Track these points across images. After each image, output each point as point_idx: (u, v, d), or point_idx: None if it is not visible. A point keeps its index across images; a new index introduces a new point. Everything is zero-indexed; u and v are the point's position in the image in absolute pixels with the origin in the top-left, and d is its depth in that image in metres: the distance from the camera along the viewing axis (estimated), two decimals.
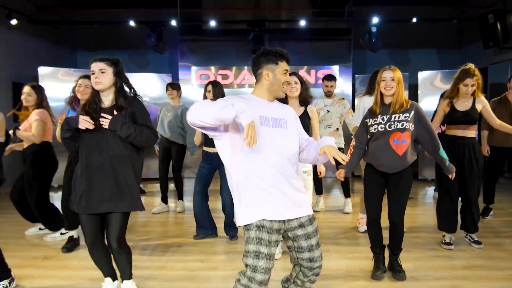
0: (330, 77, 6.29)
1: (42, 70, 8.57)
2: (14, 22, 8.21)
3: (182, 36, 10.25)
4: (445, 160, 3.74)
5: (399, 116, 3.65)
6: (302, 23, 9.47)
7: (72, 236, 4.81)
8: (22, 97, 4.84)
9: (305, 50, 10.29)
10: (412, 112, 3.67)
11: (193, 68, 10.12)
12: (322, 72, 9.92)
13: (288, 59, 2.87)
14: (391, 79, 3.67)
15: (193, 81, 10.06)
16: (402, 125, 3.62)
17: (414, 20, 9.38)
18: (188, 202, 6.47)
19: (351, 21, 10.03)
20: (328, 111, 6.17)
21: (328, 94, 6.26)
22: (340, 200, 7.02)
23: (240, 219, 2.69)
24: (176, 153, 6.41)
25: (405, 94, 4.11)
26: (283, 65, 2.84)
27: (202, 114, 2.52)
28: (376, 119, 3.73)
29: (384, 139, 3.68)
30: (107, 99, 3.27)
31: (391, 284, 3.75)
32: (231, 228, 5.02)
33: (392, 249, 3.92)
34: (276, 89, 2.85)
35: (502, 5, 8.65)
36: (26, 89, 4.84)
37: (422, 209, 6.78)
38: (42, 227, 5.36)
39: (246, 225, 2.63)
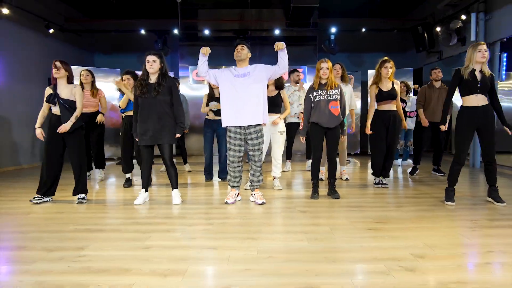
0: (297, 70, 7.68)
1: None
2: (51, 31, 9.35)
3: (181, 42, 11.26)
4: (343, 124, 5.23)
5: (332, 92, 5.10)
6: (277, 31, 10.55)
7: (129, 177, 6.28)
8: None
9: None
10: (339, 90, 5.13)
11: (190, 67, 11.28)
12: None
13: (237, 44, 4.90)
14: (326, 68, 5.07)
15: (190, 78, 11.29)
16: (335, 97, 5.09)
17: (363, 30, 10.61)
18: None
19: (316, 30, 11.12)
20: (299, 95, 7.47)
21: (297, 82, 7.56)
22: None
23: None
24: None
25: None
26: (236, 48, 4.79)
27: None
28: (317, 92, 5.12)
29: (325, 106, 5.08)
30: (154, 78, 4.84)
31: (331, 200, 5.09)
32: (223, 173, 6.53)
33: (330, 178, 5.27)
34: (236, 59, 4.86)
35: (432, 19, 10.02)
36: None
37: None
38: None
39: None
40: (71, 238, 3.53)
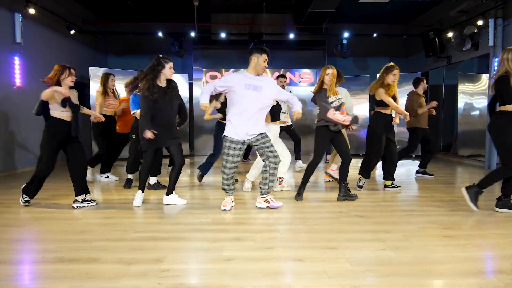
0: (282, 76, 7.06)
1: (91, 70, 9.33)
2: (72, 32, 8.85)
3: (195, 45, 10.87)
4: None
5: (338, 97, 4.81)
6: (290, 36, 10.27)
7: (129, 178, 5.89)
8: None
9: (291, 56, 11.07)
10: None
11: (204, 70, 10.89)
12: (303, 74, 10.90)
13: (267, 53, 4.15)
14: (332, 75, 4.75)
15: (203, 80, 10.85)
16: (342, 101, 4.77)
17: (375, 35, 10.34)
18: None
19: (327, 35, 10.83)
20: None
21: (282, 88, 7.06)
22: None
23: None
24: None
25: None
26: (264, 56, 4.11)
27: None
28: (331, 98, 4.74)
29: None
30: (164, 82, 4.50)
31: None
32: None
33: (343, 181, 4.90)
34: (258, 69, 4.16)
35: (439, 25, 9.79)
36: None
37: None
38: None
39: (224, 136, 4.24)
40: (141, 248, 3.13)
